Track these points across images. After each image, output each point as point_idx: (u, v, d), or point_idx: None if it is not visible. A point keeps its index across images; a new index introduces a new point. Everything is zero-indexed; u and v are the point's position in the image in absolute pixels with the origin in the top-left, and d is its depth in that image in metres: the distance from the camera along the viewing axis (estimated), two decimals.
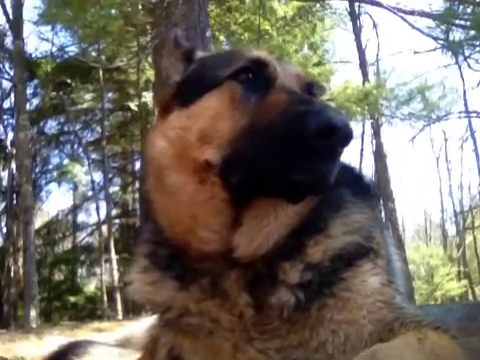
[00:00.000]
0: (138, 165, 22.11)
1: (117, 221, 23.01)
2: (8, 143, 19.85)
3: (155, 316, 1.58)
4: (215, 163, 1.30)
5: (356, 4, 17.94)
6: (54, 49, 17.83)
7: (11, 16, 15.68)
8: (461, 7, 12.24)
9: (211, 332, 1.37)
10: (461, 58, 15.33)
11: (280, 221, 1.33)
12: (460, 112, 19.65)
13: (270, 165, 1.21)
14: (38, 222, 20.33)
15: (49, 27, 15.85)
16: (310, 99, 1.31)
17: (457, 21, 12.44)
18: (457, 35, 13.05)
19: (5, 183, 20.24)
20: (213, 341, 1.38)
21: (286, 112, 1.23)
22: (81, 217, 24.20)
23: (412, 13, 12.18)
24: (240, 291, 1.34)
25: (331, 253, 1.36)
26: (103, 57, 17.78)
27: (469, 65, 15.70)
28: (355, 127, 21.01)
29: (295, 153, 1.18)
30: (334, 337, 1.31)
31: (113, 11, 12.83)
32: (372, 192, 1.64)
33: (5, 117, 20.38)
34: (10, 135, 19.91)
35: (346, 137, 1.19)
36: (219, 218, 1.33)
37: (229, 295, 1.35)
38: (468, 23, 11.98)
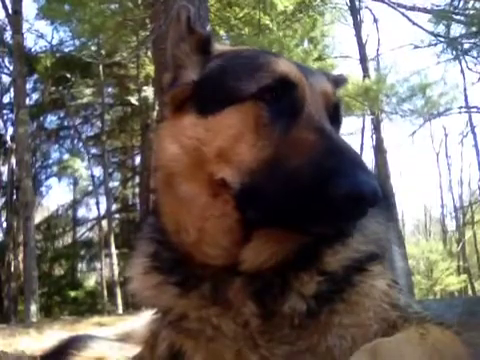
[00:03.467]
0: (138, 160, 22.19)
1: (117, 216, 23.06)
2: (8, 138, 19.90)
3: (157, 314, 1.57)
4: (232, 185, 1.26)
5: None
6: (54, 42, 17.78)
7: (10, 10, 15.63)
8: (461, 3, 12.21)
9: (212, 338, 1.35)
10: (461, 54, 15.28)
11: (293, 239, 1.28)
12: (460, 107, 19.60)
13: (291, 213, 1.17)
14: (38, 217, 20.34)
15: (48, 21, 15.81)
16: (341, 149, 1.20)
17: (457, 17, 12.41)
18: (458, 30, 13.02)
19: (5, 178, 20.30)
20: (214, 346, 1.35)
21: (314, 162, 1.16)
22: (81, 212, 24.30)
23: (412, 9, 12.15)
24: (245, 300, 1.31)
25: (346, 263, 1.35)
26: (103, 52, 17.75)
27: (467, 65, 15.69)
28: (355, 122, 21.04)
29: (319, 208, 1.13)
30: (341, 341, 1.30)
31: (112, 6, 12.81)
32: (387, 199, 1.62)
33: (5, 112, 20.45)
34: (10, 130, 20.03)
35: (374, 203, 1.15)
36: (228, 236, 1.29)
37: (232, 303, 1.32)
38: (468, 19, 11.95)
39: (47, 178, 22.43)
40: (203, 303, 1.34)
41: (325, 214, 1.14)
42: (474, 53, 14.04)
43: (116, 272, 17.32)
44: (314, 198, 1.13)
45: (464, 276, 28.06)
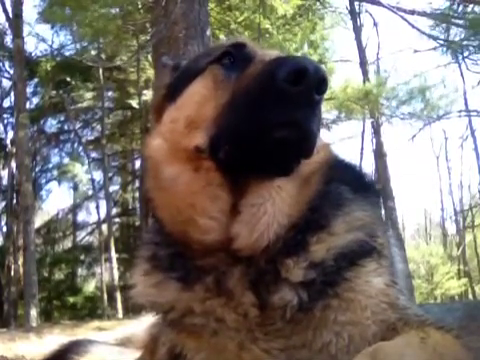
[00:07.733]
0: (138, 164, 22.18)
1: (117, 220, 23.01)
2: (8, 142, 19.88)
3: (157, 315, 1.57)
4: (204, 146, 1.32)
5: (356, 3, 17.91)
6: (54, 46, 17.81)
7: (11, 14, 15.67)
8: (461, 6, 12.23)
9: (215, 331, 1.35)
10: (461, 57, 15.31)
11: (277, 208, 1.31)
12: (460, 111, 19.62)
13: (250, 126, 1.21)
14: (38, 221, 20.32)
15: (49, 25, 15.85)
16: (287, 56, 1.32)
17: (457, 21, 12.43)
18: (457, 34, 13.03)
19: (5, 182, 20.26)
20: (217, 340, 1.36)
21: (261, 72, 1.25)
22: (81, 216, 24.27)
23: (412, 12, 12.16)
24: (244, 290, 1.33)
25: (334, 251, 1.35)
26: (103, 56, 17.78)
27: (467, 67, 15.69)
28: (355, 126, 21.05)
29: (271, 106, 1.18)
30: (338, 338, 1.30)
31: (112, 10, 12.82)
32: (374, 190, 1.62)
33: (5, 116, 20.44)
34: (10, 134, 19.98)
35: (318, 80, 1.18)
36: (217, 204, 1.32)
37: (233, 294, 1.33)
38: (468, 23, 11.96)
39: (47, 182, 22.44)
40: (208, 295, 1.35)
41: (279, 108, 1.17)
42: (474, 57, 14.04)
43: (116, 276, 17.28)
44: (264, 96, 1.19)
45: (464, 280, 28.01)
